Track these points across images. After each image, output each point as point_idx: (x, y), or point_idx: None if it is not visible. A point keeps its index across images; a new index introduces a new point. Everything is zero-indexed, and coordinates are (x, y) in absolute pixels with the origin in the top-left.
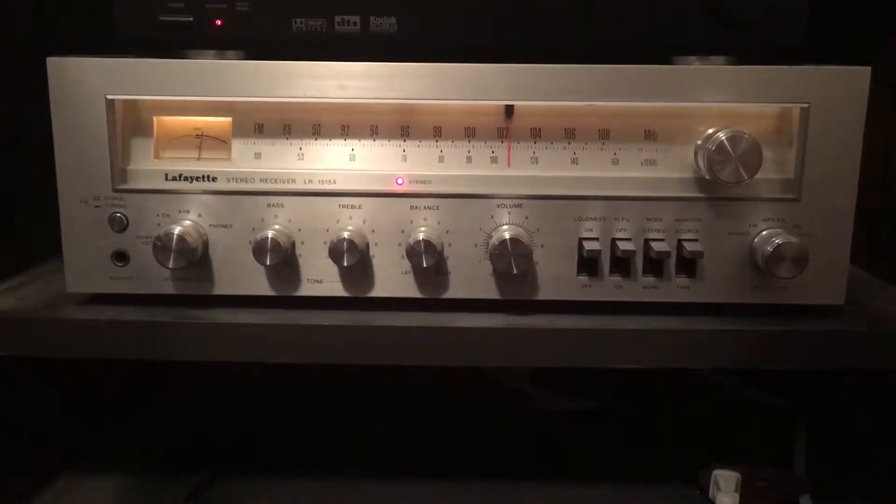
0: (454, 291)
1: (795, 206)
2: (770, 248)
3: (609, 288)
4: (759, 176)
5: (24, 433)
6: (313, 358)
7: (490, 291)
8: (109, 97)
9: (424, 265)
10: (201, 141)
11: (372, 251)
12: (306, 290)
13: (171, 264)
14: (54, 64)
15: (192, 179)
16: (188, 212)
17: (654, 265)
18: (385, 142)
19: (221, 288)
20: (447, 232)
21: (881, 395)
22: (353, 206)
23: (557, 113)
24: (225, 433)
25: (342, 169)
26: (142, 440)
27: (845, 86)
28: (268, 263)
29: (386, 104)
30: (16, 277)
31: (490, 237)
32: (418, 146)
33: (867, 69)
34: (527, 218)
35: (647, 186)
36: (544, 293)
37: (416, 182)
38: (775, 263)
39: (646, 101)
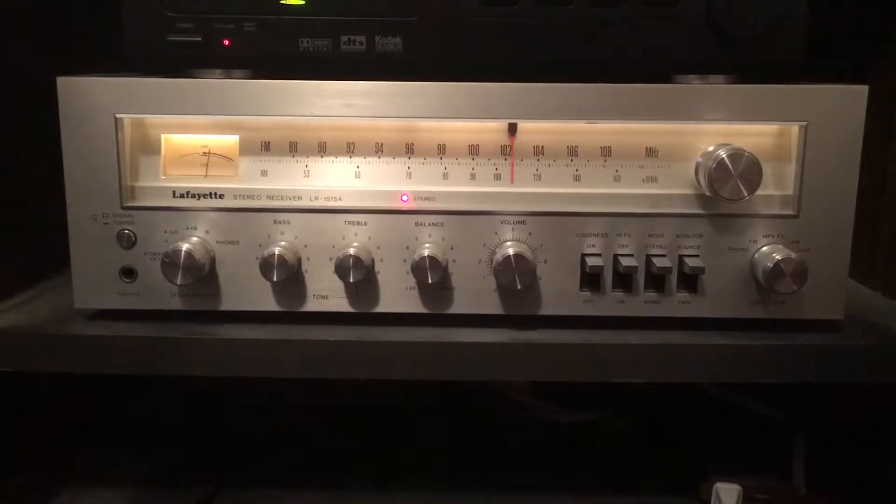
0: (458, 307)
1: (794, 222)
2: (770, 264)
3: (611, 303)
4: (758, 192)
5: (24, 448)
6: (319, 373)
7: (494, 307)
8: (118, 116)
9: (429, 281)
10: (208, 158)
11: (377, 267)
12: (312, 305)
13: (178, 280)
14: (64, 83)
15: (199, 196)
16: (195, 228)
17: (656, 280)
18: (390, 159)
19: (228, 304)
20: (451, 248)
21: (880, 409)
22: (358, 223)
23: (560, 130)
24: (226, 445)
25: (348, 186)
26: (143, 453)
27: (843, 104)
28: (274, 279)
29: (391, 122)
30: (23, 293)
31: (494, 253)
32: (423, 163)
33: (864, 88)
34: (530, 234)
35: (648, 203)
36: (547, 308)
37: (421, 199)
38: (775, 279)
39: (647, 119)
